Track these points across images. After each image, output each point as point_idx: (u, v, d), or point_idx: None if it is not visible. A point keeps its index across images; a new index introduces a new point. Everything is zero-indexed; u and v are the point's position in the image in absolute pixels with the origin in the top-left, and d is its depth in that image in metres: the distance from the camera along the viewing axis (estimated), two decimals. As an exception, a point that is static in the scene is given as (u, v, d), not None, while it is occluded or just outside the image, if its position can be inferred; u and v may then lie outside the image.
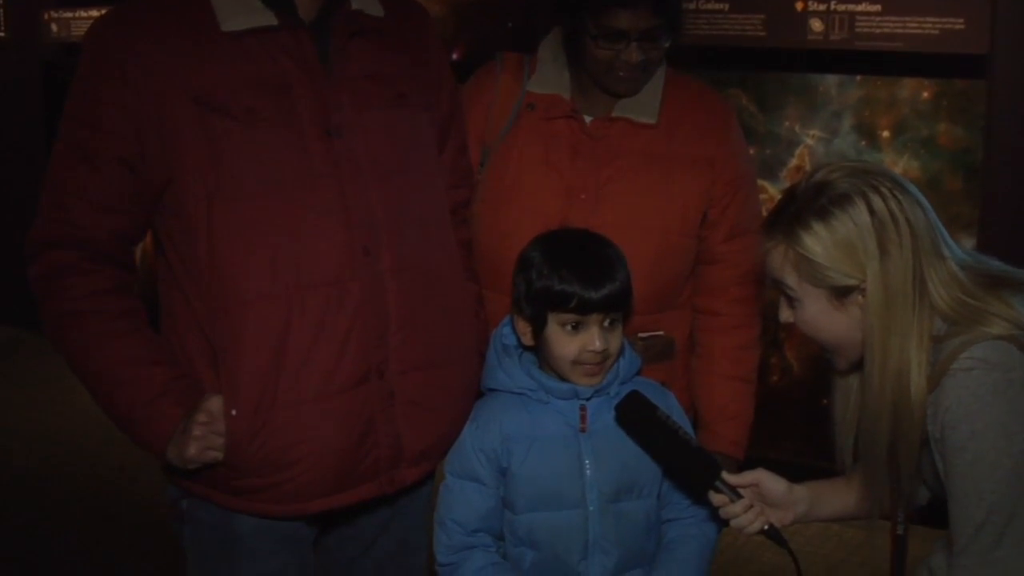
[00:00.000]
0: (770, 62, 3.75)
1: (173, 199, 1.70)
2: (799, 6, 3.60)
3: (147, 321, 1.75)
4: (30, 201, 1.80)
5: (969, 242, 3.40)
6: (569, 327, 1.71)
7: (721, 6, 3.72)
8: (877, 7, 3.48)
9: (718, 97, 2.19)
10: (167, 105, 1.65)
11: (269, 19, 1.69)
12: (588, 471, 1.73)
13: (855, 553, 3.48)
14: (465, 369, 1.85)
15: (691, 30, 3.60)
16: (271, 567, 1.78)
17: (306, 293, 1.67)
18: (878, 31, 3.48)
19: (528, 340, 1.77)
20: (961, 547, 1.50)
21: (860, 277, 1.54)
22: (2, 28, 5.80)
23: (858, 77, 3.67)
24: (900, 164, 3.60)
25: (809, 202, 1.56)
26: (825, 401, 1.75)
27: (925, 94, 3.60)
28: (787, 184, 3.52)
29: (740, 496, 1.66)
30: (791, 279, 1.59)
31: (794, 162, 3.82)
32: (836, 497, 1.74)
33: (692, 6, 3.69)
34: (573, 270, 1.70)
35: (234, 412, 1.67)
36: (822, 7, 3.56)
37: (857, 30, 3.51)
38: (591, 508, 1.73)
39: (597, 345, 1.70)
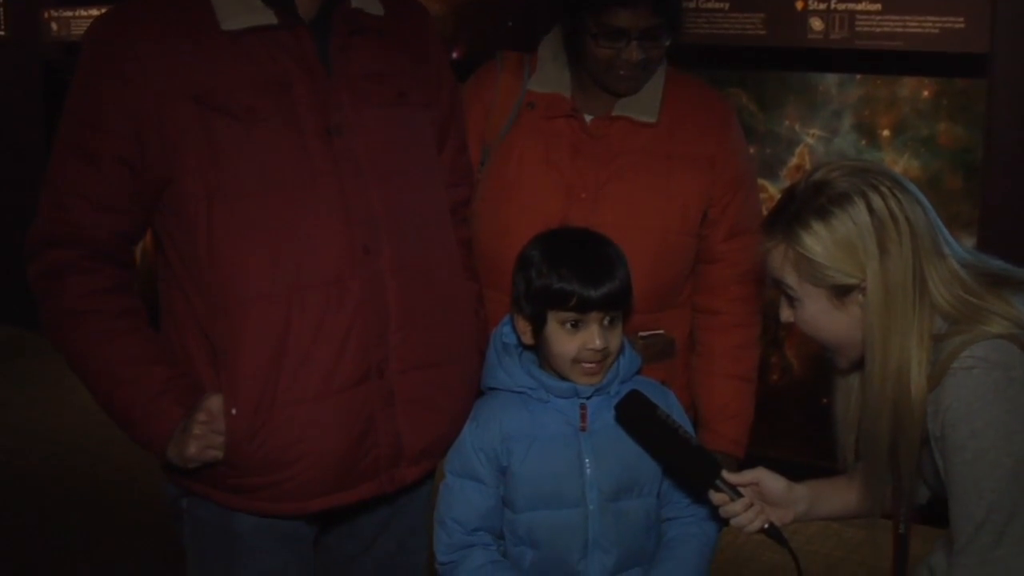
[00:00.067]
0: (770, 61, 3.75)
1: (173, 198, 1.70)
2: (799, 5, 3.60)
3: (147, 320, 1.75)
4: (30, 200, 1.80)
5: (969, 241, 3.40)
6: (569, 325, 1.71)
7: (721, 5, 3.72)
8: (877, 6, 3.48)
9: (718, 96, 2.19)
10: (167, 104, 1.65)
11: (269, 18, 1.69)
12: (588, 470, 1.73)
13: (855, 552, 3.48)
14: (465, 368, 1.85)
15: (691, 29, 3.60)
16: (271, 566, 1.78)
17: (306, 292, 1.67)
18: (878, 30, 3.48)
19: (528, 339, 1.77)
20: (961, 546, 1.50)
21: (860, 276, 1.54)
22: (2, 27, 5.80)
23: (858, 76, 3.67)
24: (900, 163, 3.60)
25: (809, 201, 1.56)
26: (825, 400, 1.75)
27: (925, 93, 3.60)
28: (787, 183, 3.52)
29: (740, 495, 1.66)
30: (791, 278, 1.59)
31: (794, 161, 3.81)
32: (836, 496, 1.74)
33: (692, 5, 3.69)
34: (573, 268, 1.70)
35: (234, 411, 1.67)
36: (822, 6, 3.56)
37: (857, 29, 3.51)
38: (591, 507, 1.73)
39: (597, 343, 1.70)
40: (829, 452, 1.74)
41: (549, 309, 1.72)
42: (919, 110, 3.60)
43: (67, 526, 3.71)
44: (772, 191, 3.74)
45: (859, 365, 1.61)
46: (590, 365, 1.72)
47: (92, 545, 3.57)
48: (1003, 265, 1.61)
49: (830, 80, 3.71)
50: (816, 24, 3.57)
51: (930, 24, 3.41)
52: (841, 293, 1.56)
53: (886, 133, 3.66)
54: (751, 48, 3.71)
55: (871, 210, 1.52)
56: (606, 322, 1.72)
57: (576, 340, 1.71)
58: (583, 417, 1.75)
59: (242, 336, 1.67)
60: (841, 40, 3.54)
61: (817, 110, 3.75)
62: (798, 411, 3.87)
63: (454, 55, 4.31)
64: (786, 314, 1.64)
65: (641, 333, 2.03)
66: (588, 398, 1.75)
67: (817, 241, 1.54)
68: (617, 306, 1.73)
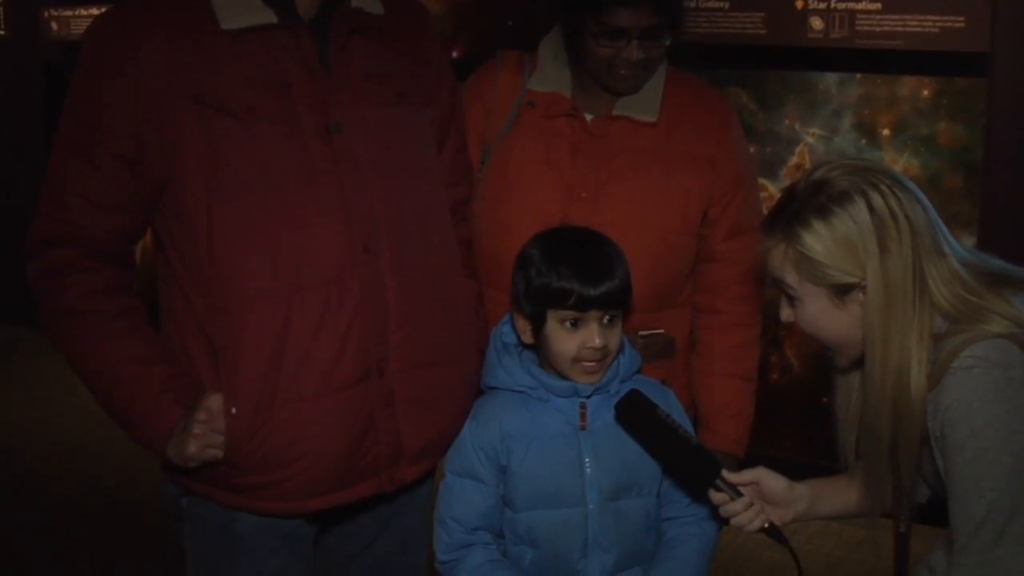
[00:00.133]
0: (770, 60, 3.75)
1: (173, 197, 1.70)
2: (799, 4, 3.60)
3: (147, 319, 1.75)
4: (30, 200, 1.80)
5: (969, 240, 3.40)
6: (568, 324, 1.71)
7: (721, 4, 3.72)
8: (877, 5, 3.48)
9: (719, 95, 2.18)
10: (167, 103, 1.65)
11: (269, 17, 1.69)
12: (588, 469, 1.73)
13: (855, 551, 3.48)
14: (465, 367, 1.85)
15: (691, 28, 3.61)
16: (271, 565, 1.78)
17: (306, 291, 1.67)
18: (878, 29, 3.49)
19: (528, 338, 1.77)
20: (961, 545, 1.50)
21: (860, 275, 1.54)
22: (2, 26, 5.79)
23: (858, 75, 3.67)
24: (900, 162, 3.60)
25: (809, 200, 1.56)
26: (825, 399, 1.75)
27: (925, 92, 3.59)
28: (787, 182, 3.52)
29: (740, 494, 1.66)
30: (791, 278, 1.59)
31: (794, 160, 3.81)
32: (837, 495, 1.74)
33: (692, 4, 3.69)
34: (572, 267, 1.70)
35: (234, 410, 1.67)
36: (822, 5, 3.56)
37: (857, 28, 3.51)
38: (591, 506, 1.73)
39: (596, 342, 1.70)
40: (829, 451, 1.74)
41: (548, 308, 1.72)
42: (919, 109, 3.60)
43: (67, 526, 3.71)
44: (772, 190, 3.74)
45: (859, 364, 1.61)
46: (590, 364, 1.72)
47: (92, 545, 3.57)
48: (1003, 264, 1.61)
49: (830, 79, 3.71)
50: (816, 23, 3.57)
51: (930, 23, 3.41)
52: (841, 292, 1.56)
53: (886, 132, 3.66)
54: (751, 47, 3.71)
55: (871, 209, 1.52)
56: (606, 321, 1.72)
57: (576, 339, 1.71)
58: (583, 416, 1.75)
59: (242, 335, 1.67)
60: (841, 39, 3.54)
61: (817, 109, 3.75)
62: (798, 410, 3.87)
63: (454, 54, 4.31)
64: (786, 313, 1.64)
65: (641, 332, 2.03)
66: (588, 397, 1.75)
67: (817, 240, 1.54)
68: (617, 305, 1.73)
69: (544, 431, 1.75)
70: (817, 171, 1.59)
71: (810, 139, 3.78)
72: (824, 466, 1.77)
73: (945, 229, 1.58)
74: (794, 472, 1.74)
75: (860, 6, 3.50)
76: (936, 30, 3.40)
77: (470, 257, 2.01)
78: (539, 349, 1.78)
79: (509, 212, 2.03)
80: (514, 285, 1.79)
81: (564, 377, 1.75)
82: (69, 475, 4.12)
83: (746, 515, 1.66)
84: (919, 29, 3.43)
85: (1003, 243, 3.09)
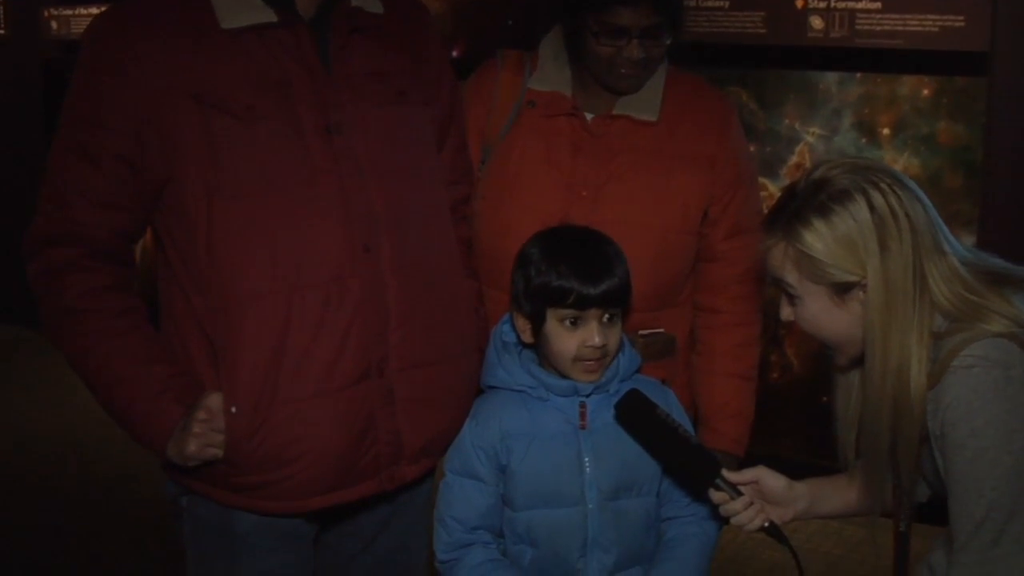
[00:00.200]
0: (770, 59, 3.75)
1: (173, 196, 1.69)
2: (799, 3, 3.60)
3: (147, 319, 1.75)
4: (30, 199, 1.80)
5: (969, 239, 3.40)
6: (568, 323, 1.71)
7: (722, 3, 3.72)
8: (877, 4, 3.48)
9: (719, 95, 2.18)
10: (166, 102, 1.65)
11: (268, 16, 1.69)
12: (588, 468, 1.73)
13: (855, 550, 3.48)
14: (465, 366, 1.85)
15: (691, 27, 3.61)
16: (271, 564, 1.78)
17: (306, 290, 1.67)
18: (878, 28, 3.49)
19: (527, 337, 1.77)
20: (961, 544, 1.50)
21: (860, 273, 1.54)
22: (2, 26, 5.80)
23: (858, 74, 3.67)
24: (900, 161, 3.60)
25: (809, 199, 1.56)
26: (825, 398, 1.75)
27: (925, 91, 3.59)
28: (787, 181, 3.52)
29: (740, 493, 1.67)
30: (791, 277, 1.59)
31: (794, 159, 3.81)
32: (836, 494, 1.74)
33: (693, 3, 3.69)
34: (571, 266, 1.70)
35: (234, 409, 1.67)
36: (822, 4, 3.56)
37: (857, 27, 3.51)
38: (590, 506, 1.73)
39: (596, 340, 1.70)
40: (829, 450, 1.74)
41: (548, 306, 1.72)
42: (919, 108, 3.60)
43: (67, 525, 3.71)
44: (772, 189, 3.74)
45: (859, 363, 1.61)
46: (590, 362, 1.72)
47: (92, 544, 3.57)
48: (1003, 263, 1.61)
49: (830, 78, 3.71)
50: (816, 22, 3.57)
51: (930, 22, 3.41)
52: (841, 291, 1.56)
53: (886, 131, 3.66)
54: (751, 46, 3.71)
55: (872, 207, 1.52)
56: (605, 319, 1.72)
57: (575, 337, 1.71)
58: (583, 415, 1.75)
59: (242, 334, 1.66)
60: (841, 38, 3.54)
61: (817, 108, 3.75)
62: (798, 409, 3.87)
63: (454, 53, 4.31)
64: (786, 312, 1.64)
65: (641, 332, 2.03)
66: (588, 396, 1.75)
67: (818, 238, 1.54)
68: (616, 303, 1.73)
69: (544, 430, 1.74)
70: (817, 170, 1.59)
71: (810, 138, 3.78)
72: (824, 465, 1.77)
73: (945, 228, 1.58)
74: (794, 471, 1.75)
75: (860, 5, 3.50)
76: (936, 29, 3.40)
77: (470, 256, 2.01)
78: (539, 348, 1.78)
79: (509, 211, 2.03)
80: (513, 284, 1.79)
81: (564, 376, 1.75)
82: (69, 474, 4.12)
83: (746, 514, 1.66)
84: (919, 28, 3.43)
85: (1003, 242, 3.09)
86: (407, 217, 1.77)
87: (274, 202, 1.67)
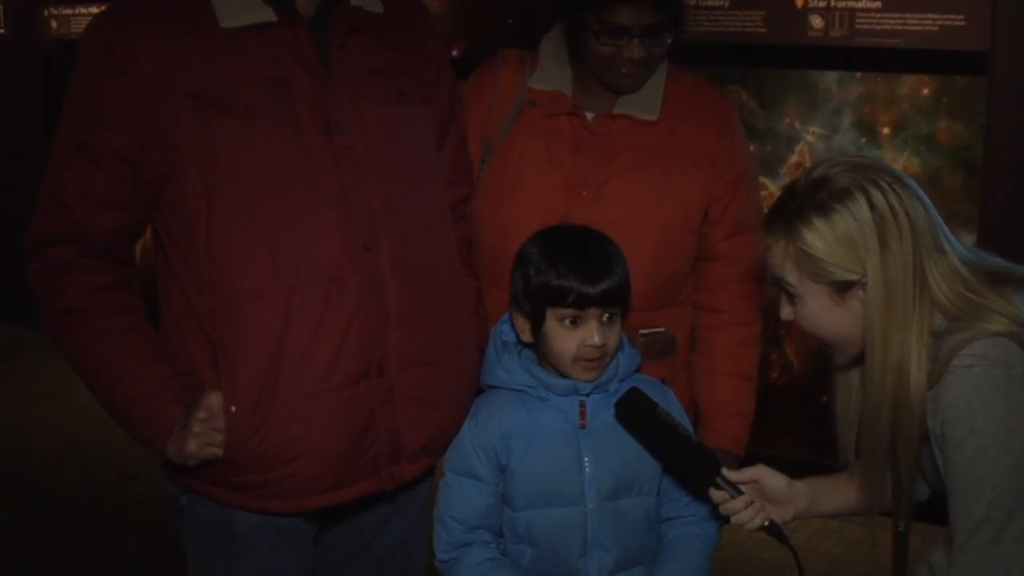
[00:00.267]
0: (770, 59, 3.75)
1: (173, 196, 1.70)
2: (799, 3, 3.60)
3: (147, 318, 1.75)
4: (30, 199, 1.80)
5: (969, 239, 3.40)
6: (567, 322, 1.71)
7: (722, 2, 3.72)
8: (877, 4, 3.48)
9: (719, 94, 2.19)
10: (166, 102, 1.65)
11: (268, 15, 1.69)
12: (587, 468, 1.73)
13: (855, 549, 3.48)
14: (465, 365, 1.85)
15: (692, 27, 3.61)
16: (271, 563, 1.78)
17: (306, 289, 1.67)
18: (878, 28, 3.48)
19: (527, 337, 1.77)
20: (961, 543, 1.50)
21: (861, 272, 1.54)
22: (2, 25, 5.79)
23: (858, 74, 3.67)
24: (900, 161, 3.60)
25: (809, 197, 1.56)
26: (825, 397, 1.75)
27: (925, 91, 3.59)
28: (787, 181, 3.52)
29: (740, 492, 1.66)
30: (791, 275, 1.59)
31: (794, 159, 3.81)
32: (837, 493, 1.74)
33: (693, 3, 3.69)
34: (570, 265, 1.70)
35: (233, 408, 1.67)
36: (822, 4, 3.56)
37: (857, 27, 3.51)
38: (590, 505, 1.73)
39: (596, 340, 1.70)
40: (829, 449, 1.73)
41: (547, 306, 1.72)
42: (919, 108, 3.60)
43: (67, 525, 3.71)
44: (772, 188, 3.74)
45: (859, 362, 1.61)
46: (589, 362, 1.72)
47: (92, 544, 3.57)
48: (1003, 263, 1.61)
49: (830, 78, 3.71)
50: (816, 22, 3.57)
51: (930, 22, 3.41)
52: (841, 289, 1.56)
53: (886, 131, 3.66)
54: (751, 46, 3.71)
55: (872, 206, 1.52)
56: (605, 318, 1.72)
57: (575, 337, 1.71)
58: (582, 415, 1.75)
59: (242, 333, 1.66)
60: (841, 38, 3.54)
61: (817, 108, 3.75)
62: (798, 409, 3.87)
63: (454, 53, 4.31)
64: (786, 311, 1.64)
65: (642, 331, 2.03)
66: (587, 395, 1.75)
67: (818, 237, 1.54)
68: (616, 302, 1.73)
69: (543, 430, 1.74)
70: (817, 168, 1.59)
71: (810, 137, 3.78)
72: (824, 464, 1.77)
73: (945, 227, 1.58)
74: (794, 470, 1.74)
75: (860, 4, 3.50)
76: (936, 28, 3.40)
77: (470, 256, 2.01)
78: (538, 348, 1.78)
79: (510, 211, 2.03)
80: (513, 283, 1.78)
81: (563, 376, 1.75)
82: (69, 474, 4.12)
83: (746, 513, 1.66)
84: (919, 27, 3.43)
85: (1003, 241, 3.09)
86: (407, 216, 1.77)
87: (274, 201, 1.67)
